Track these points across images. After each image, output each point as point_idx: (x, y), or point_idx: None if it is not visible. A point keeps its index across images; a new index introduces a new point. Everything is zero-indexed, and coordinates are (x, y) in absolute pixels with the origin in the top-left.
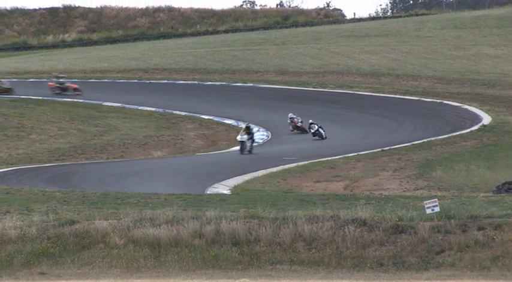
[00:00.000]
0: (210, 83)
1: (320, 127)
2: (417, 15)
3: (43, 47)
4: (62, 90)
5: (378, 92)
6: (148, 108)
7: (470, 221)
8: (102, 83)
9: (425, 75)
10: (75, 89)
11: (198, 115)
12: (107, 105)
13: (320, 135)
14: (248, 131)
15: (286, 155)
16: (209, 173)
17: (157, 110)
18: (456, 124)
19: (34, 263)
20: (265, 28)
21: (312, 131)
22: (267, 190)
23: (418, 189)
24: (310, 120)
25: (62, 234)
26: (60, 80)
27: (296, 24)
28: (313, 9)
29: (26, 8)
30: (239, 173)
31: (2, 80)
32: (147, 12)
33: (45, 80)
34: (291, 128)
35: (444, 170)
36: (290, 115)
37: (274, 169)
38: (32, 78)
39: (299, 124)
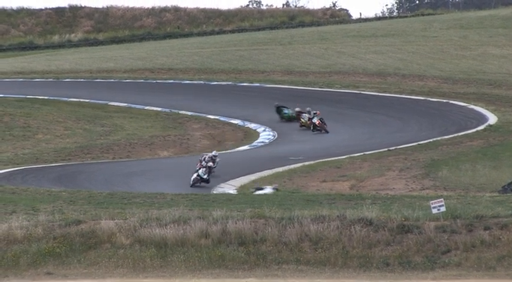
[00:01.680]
0: (216, 82)
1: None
2: (423, 15)
3: (49, 46)
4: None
5: (384, 91)
6: (155, 108)
7: (476, 220)
8: (108, 82)
9: (432, 75)
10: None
11: (204, 115)
12: (113, 105)
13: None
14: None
15: (292, 155)
16: (215, 173)
17: (164, 109)
18: (462, 124)
19: (40, 263)
20: (271, 28)
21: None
22: None
23: (424, 189)
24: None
25: (68, 234)
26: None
27: (302, 24)
28: (319, 9)
29: (32, 8)
30: (245, 173)
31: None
32: (153, 12)
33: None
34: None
35: (450, 169)
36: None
37: (280, 169)
38: (38, 78)
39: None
